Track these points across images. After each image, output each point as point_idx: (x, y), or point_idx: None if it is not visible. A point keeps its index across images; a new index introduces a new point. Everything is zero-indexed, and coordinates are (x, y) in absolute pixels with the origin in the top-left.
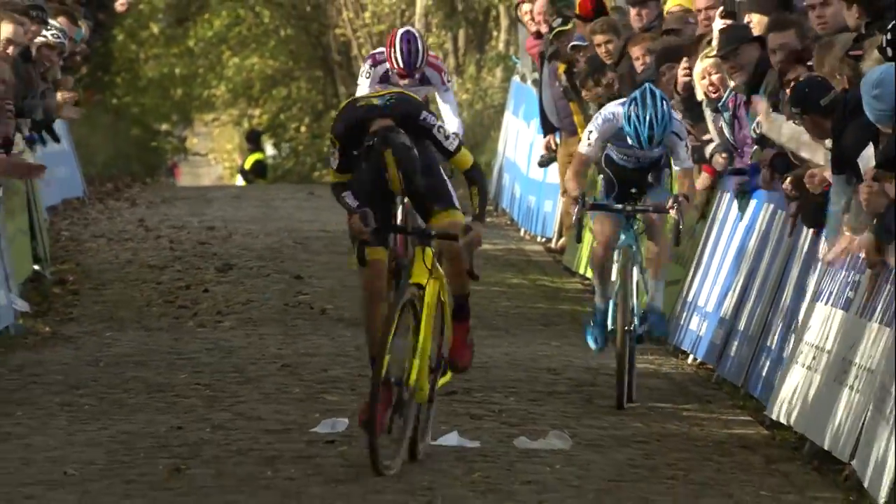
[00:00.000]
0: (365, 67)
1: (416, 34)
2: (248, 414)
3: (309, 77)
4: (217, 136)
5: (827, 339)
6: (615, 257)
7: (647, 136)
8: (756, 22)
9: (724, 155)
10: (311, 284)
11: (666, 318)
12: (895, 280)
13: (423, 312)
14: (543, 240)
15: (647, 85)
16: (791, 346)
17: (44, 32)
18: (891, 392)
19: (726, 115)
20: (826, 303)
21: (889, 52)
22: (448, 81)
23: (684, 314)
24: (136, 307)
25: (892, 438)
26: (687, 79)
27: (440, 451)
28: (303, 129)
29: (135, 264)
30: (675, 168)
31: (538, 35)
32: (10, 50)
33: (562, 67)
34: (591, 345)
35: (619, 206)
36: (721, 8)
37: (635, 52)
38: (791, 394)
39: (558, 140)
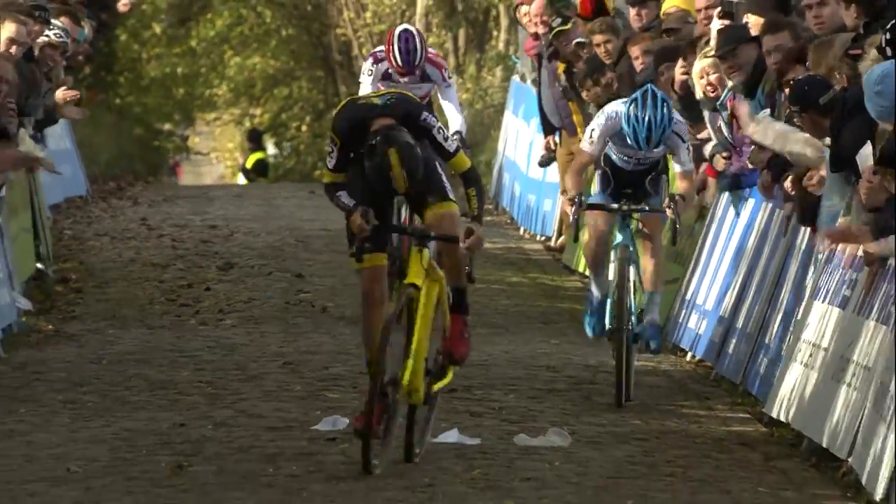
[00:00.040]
0: (367, 65)
1: (414, 32)
2: (250, 411)
3: (310, 76)
4: (219, 135)
5: (825, 336)
6: (612, 257)
7: (644, 137)
8: (754, 23)
9: (724, 154)
10: (313, 283)
11: (661, 329)
12: (893, 278)
13: (418, 313)
14: (543, 238)
15: (648, 86)
16: (789, 343)
17: (47, 32)
18: (888, 389)
19: (724, 114)
20: (824, 301)
21: (888, 51)
22: (449, 77)
23: (683, 312)
24: (138, 305)
25: (890, 435)
26: (684, 78)
27: (440, 448)
28: (304, 128)
29: (137, 263)
30: (676, 169)
31: (537, 37)
32: (14, 50)
33: (561, 67)
34: (588, 332)
35: (616, 205)
36: (719, 8)
37: (634, 52)
38: (789, 391)
39: (558, 140)
